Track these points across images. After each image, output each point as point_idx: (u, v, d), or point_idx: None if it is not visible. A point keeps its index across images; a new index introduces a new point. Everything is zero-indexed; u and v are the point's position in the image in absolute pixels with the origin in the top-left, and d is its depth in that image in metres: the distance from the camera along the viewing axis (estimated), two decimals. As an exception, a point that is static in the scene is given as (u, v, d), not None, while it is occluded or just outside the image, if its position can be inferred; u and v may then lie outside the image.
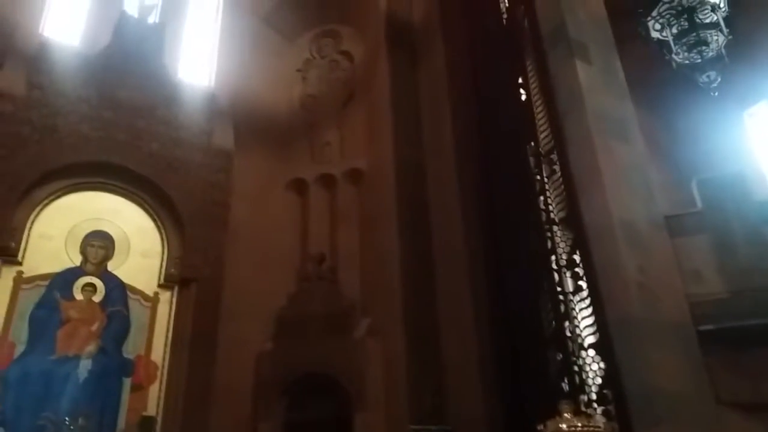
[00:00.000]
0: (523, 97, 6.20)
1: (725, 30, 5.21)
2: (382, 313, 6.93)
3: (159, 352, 6.73)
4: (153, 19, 8.39)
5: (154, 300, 6.97)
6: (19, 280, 6.42)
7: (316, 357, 6.95)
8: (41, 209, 6.81)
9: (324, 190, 8.45)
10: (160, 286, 7.06)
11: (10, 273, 6.40)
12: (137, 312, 6.82)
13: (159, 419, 6.43)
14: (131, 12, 8.22)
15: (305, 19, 9.32)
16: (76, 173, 7.01)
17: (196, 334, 6.78)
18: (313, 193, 8.45)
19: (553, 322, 4.94)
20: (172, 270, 7.08)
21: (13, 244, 6.42)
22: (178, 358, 6.68)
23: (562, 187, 5.19)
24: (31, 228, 6.66)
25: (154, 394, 6.54)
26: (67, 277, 6.65)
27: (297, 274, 7.92)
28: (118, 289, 6.81)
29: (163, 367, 6.67)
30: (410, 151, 7.61)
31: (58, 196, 6.95)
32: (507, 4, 6.74)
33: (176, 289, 7.09)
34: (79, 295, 6.62)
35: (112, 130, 7.26)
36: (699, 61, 5.24)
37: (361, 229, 7.92)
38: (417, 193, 7.28)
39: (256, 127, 8.46)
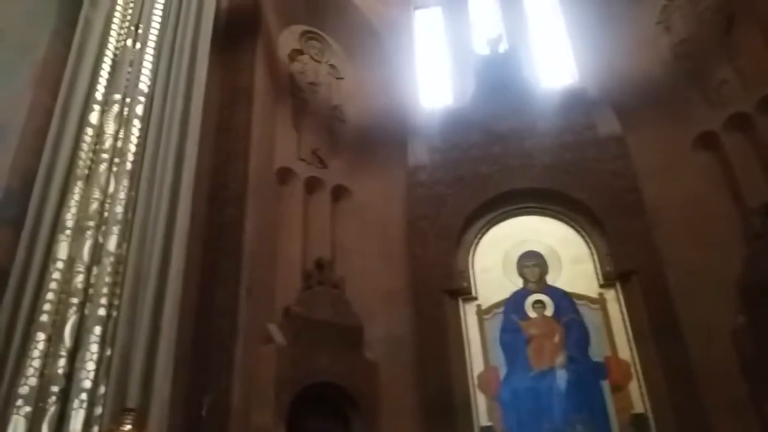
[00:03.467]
0: None
1: None
2: None
3: (625, 350, 6.76)
4: (503, 48, 8.92)
5: (600, 301, 7.10)
6: (481, 313, 7.39)
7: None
8: (474, 249, 7.76)
9: (739, 133, 7.31)
10: (601, 286, 7.17)
11: (471, 309, 7.43)
12: (589, 316, 7.04)
13: (650, 415, 6.37)
14: (483, 52, 8.92)
15: (644, -32, 8.53)
16: (489, 209, 7.86)
17: (655, 324, 6.58)
18: (727, 142, 7.38)
19: None
20: (608, 268, 7.12)
21: (465, 284, 7.49)
22: (646, 351, 6.56)
23: None
24: (473, 266, 7.63)
25: (635, 391, 6.55)
26: (517, 299, 7.34)
27: (743, 234, 6.92)
28: (564, 299, 7.18)
29: (634, 363, 6.65)
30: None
31: (483, 233, 7.85)
32: None
33: (618, 285, 7.06)
34: (532, 313, 7.20)
35: (505, 161, 7.95)
36: None
37: (808, 160, 6.53)
38: None
39: (636, 100, 7.96)
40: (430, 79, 9.47)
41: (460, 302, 7.40)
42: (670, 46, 8.28)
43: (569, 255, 7.41)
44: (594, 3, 8.80)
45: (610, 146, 7.66)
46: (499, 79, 8.43)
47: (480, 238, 7.80)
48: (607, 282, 7.13)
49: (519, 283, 7.42)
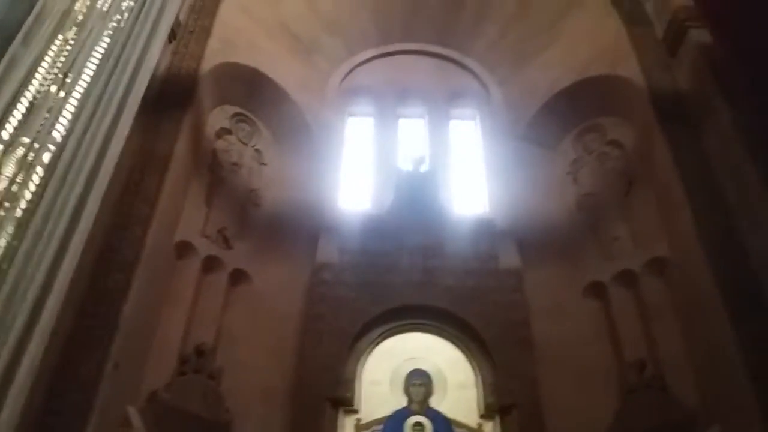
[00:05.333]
0: None
1: None
2: (734, 419, 6.00)
3: (496, 487, 6.80)
4: (424, 168, 9.55)
5: (479, 432, 7.17)
6: (359, 428, 7.24)
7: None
8: (365, 358, 7.76)
9: (625, 288, 7.99)
10: (481, 416, 7.27)
11: (351, 422, 7.29)
12: (466, 446, 7.06)
13: None
14: (405, 168, 9.49)
15: (562, 124, 9.57)
16: (388, 319, 7.96)
17: (528, 464, 6.71)
18: (614, 294, 8.03)
19: None
20: (490, 399, 7.29)
21: (349, 395, 7.37)
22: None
23: None
24: (361, 377, 7.59)
25: None
26: (397, 419, 7.27)
27: (619, 386, 7.38)
28: (444, 425, 7.18)
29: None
30: (718, 224, 6.87)
31: (377, 344, 7.89)
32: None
33: (498, 418, 7.22)
34: (410, 436, 7.14)
35: (410, 275, 8.23)
36: None
37: (681, 325, 7.19)
38: (739, 272, 6.43)
39: (538, 240, 8.64)
40: (351, 182, 9.88)
41: (341, 413, 7.27)
42: (576, 196, 9.15)
43: (456, 379, 7.54)
44: (514, 144, 9.72)
45: (509, 279, 8.15)
46: (416, 196, 8.94)
47: (373, 348, 7.83)
48: (487, 413, 7.25)
49: (403, 402, 7.41)
